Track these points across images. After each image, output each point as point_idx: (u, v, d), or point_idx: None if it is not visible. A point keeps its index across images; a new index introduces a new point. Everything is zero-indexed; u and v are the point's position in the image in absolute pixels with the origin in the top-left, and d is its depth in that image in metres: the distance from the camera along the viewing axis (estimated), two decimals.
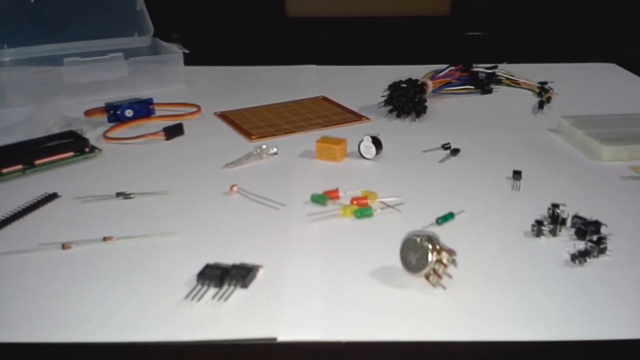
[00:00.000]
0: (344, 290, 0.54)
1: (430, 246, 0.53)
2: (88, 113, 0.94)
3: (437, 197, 0.70)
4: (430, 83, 1.02)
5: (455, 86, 1.06)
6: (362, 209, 0.65)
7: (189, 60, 1.14)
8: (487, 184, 0.74)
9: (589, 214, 0.63)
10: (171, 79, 1.10)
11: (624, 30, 1.87)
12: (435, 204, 0.68)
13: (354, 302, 0.53)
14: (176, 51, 1.11)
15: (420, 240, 0.54)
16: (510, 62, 1.17)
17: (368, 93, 1.02)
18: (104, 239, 0.61)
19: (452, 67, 1.07)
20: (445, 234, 0.62)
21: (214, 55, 1.34)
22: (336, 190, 0.69)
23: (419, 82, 0.97)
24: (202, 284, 0.54)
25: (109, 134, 0.88)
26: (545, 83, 1.05)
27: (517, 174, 0.74)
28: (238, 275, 0.54)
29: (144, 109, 0.94)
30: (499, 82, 1.09)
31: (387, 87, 0.96)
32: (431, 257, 0.53)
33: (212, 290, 0.53)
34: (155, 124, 0.91)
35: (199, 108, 0.98)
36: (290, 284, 0.55)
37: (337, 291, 0.54)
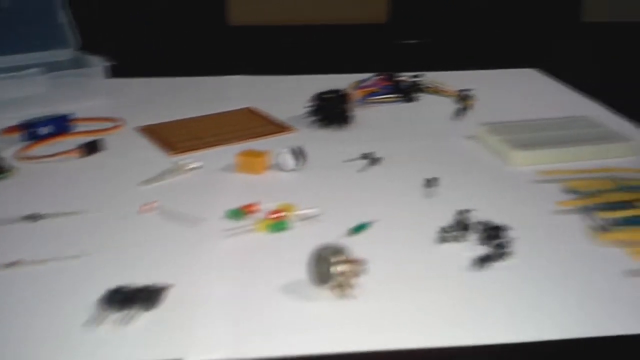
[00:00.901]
0: (254, 306, 0.55)
1: (334, 259, 0.54)
2: (4, 131, 0.91)
3: (354, 207, 0.71)
4: (355, 93, 1.03)
5: (380, 95, 1.08)
6: (276, 222, 0.66)
7: (123, 72, 1.12)
8: (403, 191, 0.76)
9: (498, 219, 0.66)
10: (95, 93, 1.08)
11: (548, 37, 1.95)
12: (352, 214, 0.69)
13: (264, 318, 0.53)
14: (99, 64, 1.09)
15: (325, 253, 0.55)
16: (444, 69, 1.20)
17: (296, 103, 1.03)
18: (8, 264, 0.59)
19: (377, 77, 1.09)
20: (360, 244, 0.64)
21: (152, 66, 1.32)
22: (253, 205, 0.69)
23: (342, 93, 0.98)
24: (106, 309, 0.52)
25: (24, 153, 0.85)
26: (467, 90, 1.09)
27: (431, 181, 0.76)
28: (144, 298, 0.53)
29: (61, 125, 0.91)
30: (422, 90, 1.12)
31: (312, 97, 0.98)
32: (335, 269, 0.54)
33: (118, 314, 0.52)
34: (73, 141, 0.89)
35: (121, 122, 0.96)
36: (200, 302, 0.55)
37: (247, 308, 0.54)
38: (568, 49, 1.71)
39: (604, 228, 0.63)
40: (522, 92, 1.17)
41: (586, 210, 0.68)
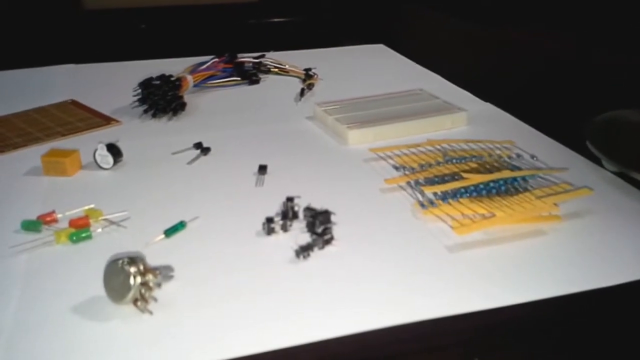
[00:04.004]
0: (37, 334, 0.46)
1: (132, 269, 0.48)
2: None
3: (174, 205, 0.65)
4: (190, 77, 0.96)
5: (219, 79, 1.01)
6: (77, 231, 0.58)
7: None
8: (232, 182, 0.70)
9: (327, 203, 0.62)
10: None
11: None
12: (170, 214, 0.62)
13: (47, 347, 0.45)
14: None
15: (122, 263, 0.48)
16: (319, 46, 1.16)
17: (125, 92, 0.93)
18: None
19: (216, 59, 1.03)
20: (176, 246, 0.58)
21: None
22: (52, 213, 0.60)
23: (173, 78, 0.91)
24: None
25: None
26: (310, 69, 1.06)
27: (262, 169, 0.71)
28: None
29: None
30: (267, 71, 1.07)
31: (137, 85, 0.89)
32: (134, 281, 0.48)
33: None
34: None
35: None
36: None
37: (28, 337, 0.46)
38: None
39: (429, 203, 0.62)
40: (367, 68, 1.15)
41: (413, 185, 0.66)
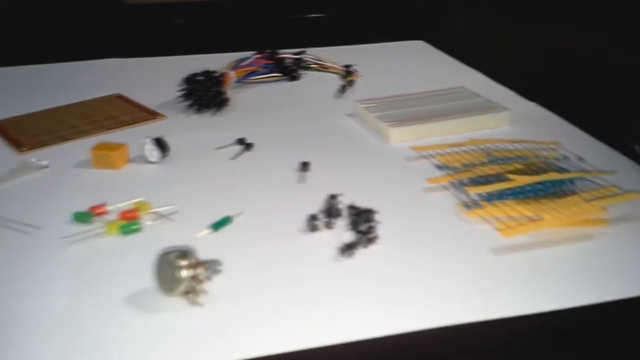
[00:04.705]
0: (89, 325, 0.48)
1: (183, 263, 0.49)
2: None
3: (220, 200, 0.66)
4: (232, 73, 0.97)
5: (261, 75, 1.02)
6: (128, 224, 0.59)
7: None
8: (275, 179, 0.71)
9: (369, 201, 0.62)
10: None
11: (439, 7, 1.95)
12: (217, 208, 0.63)
13: (99, 338, 0.47)
14: None
15: (173, 257, 0.49)
16: (334, 44, 1.16)
17: (167, 87, 0.95)
18: None
19: (257, 55, 1.03)
20: (222, 240, 0.59)
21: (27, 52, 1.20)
22: (102, 205, 0.62)
23: (216, 74, 0.92)
24: None
25: None
26: (350, 66, 1.05)
27: (304, 166, 0.72)
28: None
29: None
30: (307, 67, 1.08)
31: (182, 80, 0.90)
32: (185, 274, 0.49)
33: None
34: None
35: None
36: (27, 326, 0.48)
37: (80, 328, 0.48)
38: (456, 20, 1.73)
39: (474, 204, 0.62)
40: (407, 65, 1.15)
41: (457, 186, 0.66)
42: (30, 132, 0.82)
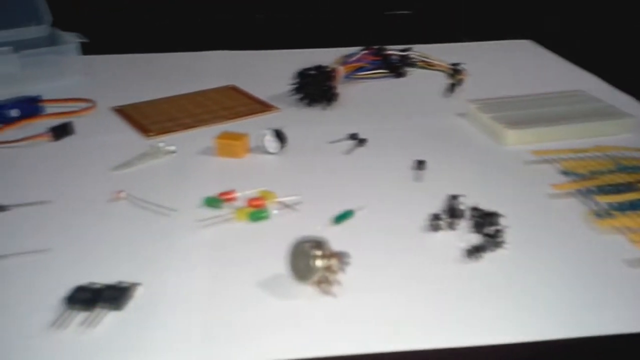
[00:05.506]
0: (228, 305, 0.51)
1: (317, 253, 0.50)
2: None
3: (339, 193, 0.67)
4: (341, 69, 0.98)
5: (367, 71, 1.03)
6: (257, 211, 0.62)
7: (99, 48, 1.06)
8: (391, 175, 0.71)
9: (491, 204, 0.62)
10: (68, 72, 1.02)
11: (542, 5, 1.88)
12: (336, 201, 0.65)
13: (238, 318, 0.49)
14: (73, 41, 1.03)
15: (308, 246, 0.51)
16: (427, 42, 1.15)
17: (280, 80, 0.98)
18: None
19: (364, 51, 1.04)
20: (343, 233, 0.60)
21: (130, 41, 1.27)
22: (232, 192, 0.65)
23: (328, 69, 0.93)
24: (71, 309, 0.49)
25: None
26: (458, 64, 1.04)
27: (420, 164, 0.72)
28: (111, 297, 0.49)
29: (31, 107, 0.86)
30: (412, 64, 1.07)
31: (294, 74, 0.93)
32: (319, 263, 0.50)
33: (82, 315, 0.48)
34: (45, 123, 0.83)
35: (93, 103, 0.91)
36: (170, 302, 0.51)
37: (220, 307, 0.50)
38: (563, 19, 1.66)
39: (604, 213, 0.60)
40: (516, 65, 1.12)
41: (584, 193, 0.64)
42: (154, 118, 0.86)
